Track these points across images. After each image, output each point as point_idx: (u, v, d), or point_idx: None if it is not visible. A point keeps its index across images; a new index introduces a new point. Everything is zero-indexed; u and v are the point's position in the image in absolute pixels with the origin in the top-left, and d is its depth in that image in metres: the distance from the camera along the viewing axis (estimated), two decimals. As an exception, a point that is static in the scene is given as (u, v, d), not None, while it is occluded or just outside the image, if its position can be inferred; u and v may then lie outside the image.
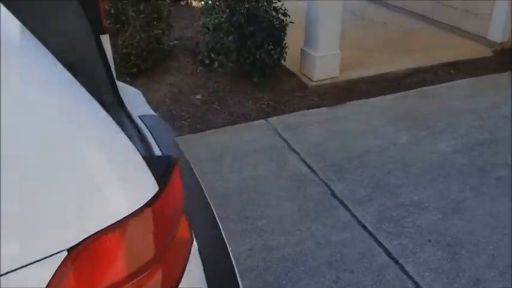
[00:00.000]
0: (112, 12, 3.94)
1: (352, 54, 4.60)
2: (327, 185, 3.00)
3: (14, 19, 0.85)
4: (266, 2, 4.04)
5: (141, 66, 4.30)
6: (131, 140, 2.12)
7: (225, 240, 1.62)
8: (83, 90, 0.91)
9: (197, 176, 2.15)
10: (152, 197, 0.81)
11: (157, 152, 2.15)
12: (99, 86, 2.42)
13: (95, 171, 0.77)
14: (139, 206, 0.79)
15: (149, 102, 4.07)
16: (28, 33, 0.87)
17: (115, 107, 2.41)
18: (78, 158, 0.77)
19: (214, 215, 1.79)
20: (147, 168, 0.86)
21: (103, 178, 0.78)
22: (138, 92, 2.66)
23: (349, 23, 5.24)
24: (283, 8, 4.11)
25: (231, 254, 1.60)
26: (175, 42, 4.95)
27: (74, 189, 0.74)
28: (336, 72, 4.33)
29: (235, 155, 3.34)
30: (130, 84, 4.32)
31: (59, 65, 0.92)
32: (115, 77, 2.49)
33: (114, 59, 4.14)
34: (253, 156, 3.32)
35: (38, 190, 0.71)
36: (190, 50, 4.82)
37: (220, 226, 1.75)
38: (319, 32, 4.11)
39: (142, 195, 0.81)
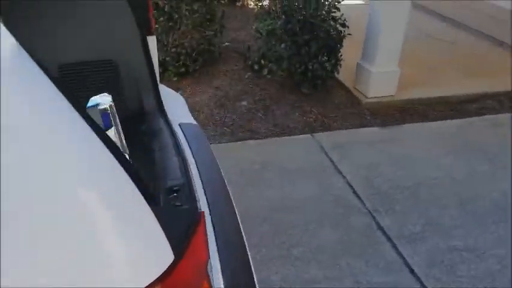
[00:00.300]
0: (166, 9, 3.84)
1: (412, 73, 4.30)
2: (372, 215, 2.74)
3: (11, 38, 0.69)
4: (325, 11, 3.82)
5: (190, 67, 4.19)
6: (166, 149, 1.95)
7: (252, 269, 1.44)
8: (88, 130, 0.74)
9: (229, 189, 1.98)
10: (166, 270, 0.63)
11: (190, 158, 1.99)
12: (141, 89, 2.29)
13: (94, 243, 0.59)
14: (148, 283, 0.61)
15: (194, 104, 3.98)
16: (25, 55, 0.70)
17: (155, 113, 2.27)
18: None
19: (243, 239, 1.62)
20: (162, 234, 0.67)
21: (105, 251, 0.60)
22: (182, 98, 2.52)
23: (414, 39, 4.92)
24: (342, 18, 3.87)
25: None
26: (226, 44, 4.82)
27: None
28: (393, 91, 4.05)
29: (276, 170, 3.15)
30: (177, 84, 4.24)
31: (61, 97, 0.75)
32: (159, 79, 2.36)
33: (163, 57, 4.06)
34: (295, 173, 3.11)
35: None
36: (240, 53, 4.67)
37: (249, 255, 1.57)
38: (379, 46, 3.84)
39: (154, 268, 0.63)
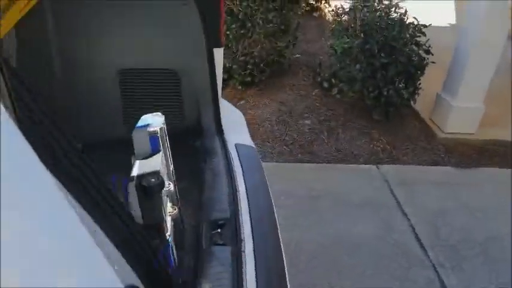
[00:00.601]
0: (239, 17, 3.72)
1: (496, 112, 3.88)
2: (436, 271, 2.44)
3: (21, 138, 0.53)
4: (408, 33, 3.52)
5: (256, 77, 4.04)
6: (217, 174, 1.78)
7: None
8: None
9: (279, 216, 1.79)
10: None
11: (241, 186, 1.81)
12: (201, 103, 2.14)
13: None
14: None
15: (254, 116, 3.82)
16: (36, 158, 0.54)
17: (212, 130, 2.12)
18: None
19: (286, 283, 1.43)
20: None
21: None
22: (242, 116, 2.35)
23: (504, 75, 4.47)
24: (427, 44, 3.55)
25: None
26: (297, 55, 4.63)
27: None
28: (473, 128, 3.67)
29: (335, 201, 2.91)
30: (241, 93, 4.11)
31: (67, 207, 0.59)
32: (221, 93, 2.21)
33: (230, 65, 3.93)
34: (355, 208, 2.86)
35: None
36: (310, 68, 4.46)
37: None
38: (464, 78, 3.49)
39: None
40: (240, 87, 4.05)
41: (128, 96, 2.05)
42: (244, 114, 3.87)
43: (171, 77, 2.03)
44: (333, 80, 3.90)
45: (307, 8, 5.74)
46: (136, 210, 1.19)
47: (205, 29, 1.93)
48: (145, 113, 2.09)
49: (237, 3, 3.70)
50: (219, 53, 2.03)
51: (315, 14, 6.28)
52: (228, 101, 3.98)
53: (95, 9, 1.87)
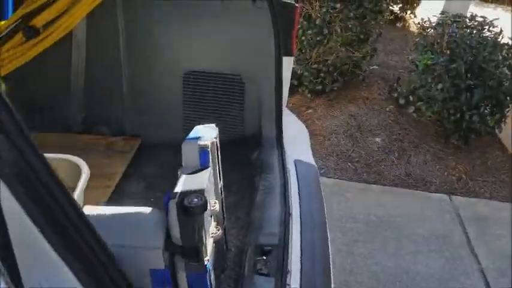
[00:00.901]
0: (317, 22, 3.56)
1: None
2: (507, 327, 2.15)
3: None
4: (501, 55, 3.19)
5: (327, 86, 3.86)
6: (271, 192, 1.65)
7: None
8: None
9: (334, 241, 1.63)
10: None
11: (295, 207, 1.68)
12: (263, 113, 2.02)
13: None
14: None
15: (321, 128, 3.65)
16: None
17: (272, 142, 2.00)
18: None
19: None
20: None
21: None
22: (305, 130, 2.21)
23: None
24: (523, 68, 3.20)
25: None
26: (374, 67, 4.38)
27: None
28: None
29: (398, 230, 2.68)
30: (310, 102, 3.95)
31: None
32: (285, 103, 2.08)
33: (302, 71, 3.79)
34: (419, 240, 2.62)
35: None
36: (387, 82, 4.20)
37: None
38: None
39: None
40: (309, 95, 3.90)
41: (190, 98, 1.98)
42: (310, 124, 3.75)
43: (236, 82, 1.94)
44: (411, 97, 3.63)
45: (391, 18, 5.45)
46: (174, 231, 1.09)
47: (277, 35, 1.81)
48: (205, 116, 2.03)
49: (316, 8, 3.55)
50: (288, 62, 1.91)
51: (398, 25, 5.97)
52: (295, 109, 3.88)
53: (164, 10, 1.82)
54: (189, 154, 1.18)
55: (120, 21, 1.86)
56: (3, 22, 1.61)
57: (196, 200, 1.07)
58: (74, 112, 2.04)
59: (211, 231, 1.22)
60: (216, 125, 2.00)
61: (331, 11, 3.52)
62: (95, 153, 1.97)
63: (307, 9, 3.57)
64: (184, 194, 1.08)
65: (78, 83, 1.98)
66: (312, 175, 1.91)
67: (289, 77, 1.98)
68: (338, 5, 3.50)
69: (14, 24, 1.62)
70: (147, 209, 1.17)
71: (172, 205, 1.06)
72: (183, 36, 1.88)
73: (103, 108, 2.03)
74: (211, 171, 1.21)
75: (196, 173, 1.18)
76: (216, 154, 1.24)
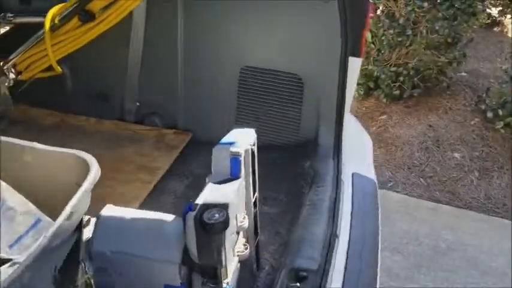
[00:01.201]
0: (400, 22, 3.28)
1: None
2: None
3: None
4: None
5: (406, 92, 3.57)
6: (317, 208, 1.46)
7: None
8: None
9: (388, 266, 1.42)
10: None
11: (343, 228, 1.50)
12: (322, 117, 1.84)
13: None
14: None
15: (394, 136, 3.38)
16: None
17: (328, 150, 1.81)
18: None
19: None
20: None
21: None
22: (369, 140, 1.99)
23: None
24: None
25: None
26: (462, 74, 3.98)
27: None
28: None
29: (469, 260, 2.38)
30: (385, 107, 3.67)
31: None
32: (349, 108, 1.88)
33: (379, 73, 3.52)
34: (493, 276, 2.30)
35: None
36: (475, 91, 3.79)
37: None
38: None
39: None
40: (384, 99, 3.62)
41: (245, 95, 1.86)
42: (383, 131, 3.48)
43: (294, 82, 1.78)
44: (500, 111, 3.24)
45: (488, 22, 4.94)
46: (192, 247, 0.97)
47: (344, 34, 1.62)
48: (259, 116, 1.89)
49: (401, 6, 3.26)
50: (355, 63, 1.71)
51: (496, 29, 5.41)
52: (368, 113, 3.62)
53: (226, 5, 1.71)
54: (219, 161, 1.05)
55: (180, 12, 1.78)
56: (61, 5, 1.58)
57: (217, 215, 0.94)
58: (128, 101, 2.00)
59: (238, 249, 1.09)
60: (271, 127, 1.89)
61: (417, 10, 3.22)
62: (144, 144, 1.92)
63: (390, 6, 3.30)
64: (206, 207, 0.96)
65: (135, 71, 1.93)
66: (370, 192, 1.71)
67: (355, 81, 1.79)
68: (425, 4, 3.19)
69: (71, 8, 1.59)
70: (169, 217, 1.06)
71: (190, 219, 0.94)
72: (241, 30, 1.76)
73: (157, 99, 1.97)
74: (243, 182, 1.07)
75: (225, 182, 1.05)
76: (250, 163, 1.09)
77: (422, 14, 3.24)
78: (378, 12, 3.46)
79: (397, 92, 3.57)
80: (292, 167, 1.74)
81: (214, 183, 1.04)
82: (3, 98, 1.85)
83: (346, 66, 1.66)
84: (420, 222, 2.62)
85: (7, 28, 2.01)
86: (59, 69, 1.70)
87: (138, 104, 2.00)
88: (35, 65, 1.73)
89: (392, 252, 2.41)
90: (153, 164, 1.80)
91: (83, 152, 0.89)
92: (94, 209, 1.46)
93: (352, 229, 1.49)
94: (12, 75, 1.75)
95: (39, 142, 2.00)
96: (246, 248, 1.11)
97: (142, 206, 1.60)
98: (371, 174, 1.78)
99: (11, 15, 1.81)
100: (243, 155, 1.05)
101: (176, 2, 1.75)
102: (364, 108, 3.71)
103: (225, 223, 0.94)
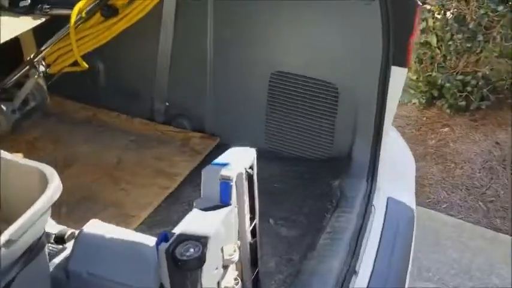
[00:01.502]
0: (470, 26, 2.96)
1: None
2: None
3: None
4: None
5: (473, 103, 3.24)
6: (338, 238, 1.28)
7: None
8: None
9: None
10: None
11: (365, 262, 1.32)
12: (358, 131, 1.65)
13: None
14: None
15: (455, 151, 3.07)
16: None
17: (362, 170, 1.62)
18: None
19: None
20: None
21: None
22: (412, 160, 1.77)
23: None
24: None
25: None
26: (542, 87, 3.56)
27: None
28: None
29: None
30: (448, 118, 3.35)
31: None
32: (391, 122, 1.67)
33: (443, 83, 3.21)
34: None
35: None
36: (556, 107, 3.37)
37: None
38: None
39: None
40: (448, 110, 3.31)
41: (275, 102, 1.72)
42: (443, 145, 3.18)
43: (329, 91, 1.61)
44: None
45: None
46: (165, 282, 0.86)
47: (387, 41, 1.43)
48: (290, 126, 1.74)
49: (473, 8, 2.94)
50: (399, 74, 1.51)
51: None
52: (429, 124, 3.32)
53: (258, 5, 1.58)
54: (209, 184, 0.92)
55: (209, 12, 1.68)
56: (84, 1, 1.52)
57: (192, 250, 0.82)
58: (157, 101, 1.94)
59: (227, 284, 0.95)
60: (301, 138, 1.73)
61: (491, 13, 2.88)
62: (169, 147, 1.85)
63: (460, 9, 2.99)
64: (182, 238, 0.84)
65: (164, 71, 1.86)
66: (405, 220, 1.51)
67: (399, 93, 1.58)
68: (500, 8, 2.85)
69: (95, 3, 1.53)
70: (153, 241, 0.96)
71: (162, 252, 0.82)
72: (273, 32, 1.62)
73: (185, 100, 1.88)
74: (235, 210, 0.94)
75: (213, 209, 0.92)
76: (244, 189, 0.95)
77: (496, 19, 2.90)
78: (448, 14, 3.16)
79: (462, 103, 3.25)
80: (319, 184, 1.58)
81: (201, 209, 0.91)
82: (38, 90, 1.85)
83: (387, 77, 1.47)
84: (474, 252, 2.34)
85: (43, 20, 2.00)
86: (84, 64, 1.66)
87: (167, 104, 1.92)
88: (62, 59, 1.70)
89: (437, 283, 2.17)
90: (174, 170, 1.71)
91: (46, 166, 0.80)
92: (104, 214, 1.37)
93: (376, 263, 1.31)
94: (42, 68, 1.74)
95: (71, 136, 2.00)
96: (237, 283, 0.97)
97: (152, 213, 1.52)
98: (410, 200, 1.58)
99: (48, 6, 1.80)
100: (234, 180, 0.91)
101: (206, 2, 1.65)
102: (424, 118, 3.42)
103: (200, 260, 0.81)
